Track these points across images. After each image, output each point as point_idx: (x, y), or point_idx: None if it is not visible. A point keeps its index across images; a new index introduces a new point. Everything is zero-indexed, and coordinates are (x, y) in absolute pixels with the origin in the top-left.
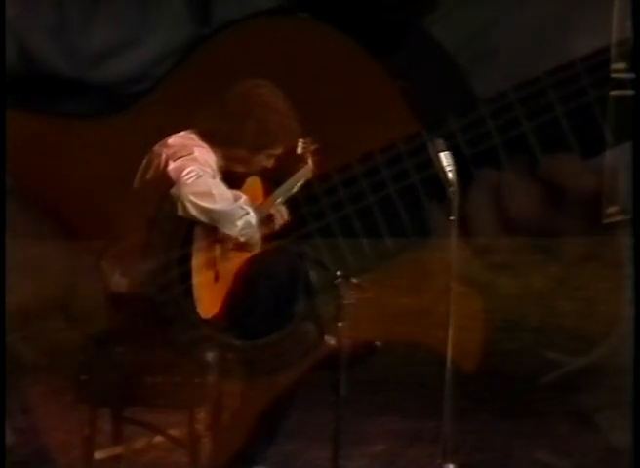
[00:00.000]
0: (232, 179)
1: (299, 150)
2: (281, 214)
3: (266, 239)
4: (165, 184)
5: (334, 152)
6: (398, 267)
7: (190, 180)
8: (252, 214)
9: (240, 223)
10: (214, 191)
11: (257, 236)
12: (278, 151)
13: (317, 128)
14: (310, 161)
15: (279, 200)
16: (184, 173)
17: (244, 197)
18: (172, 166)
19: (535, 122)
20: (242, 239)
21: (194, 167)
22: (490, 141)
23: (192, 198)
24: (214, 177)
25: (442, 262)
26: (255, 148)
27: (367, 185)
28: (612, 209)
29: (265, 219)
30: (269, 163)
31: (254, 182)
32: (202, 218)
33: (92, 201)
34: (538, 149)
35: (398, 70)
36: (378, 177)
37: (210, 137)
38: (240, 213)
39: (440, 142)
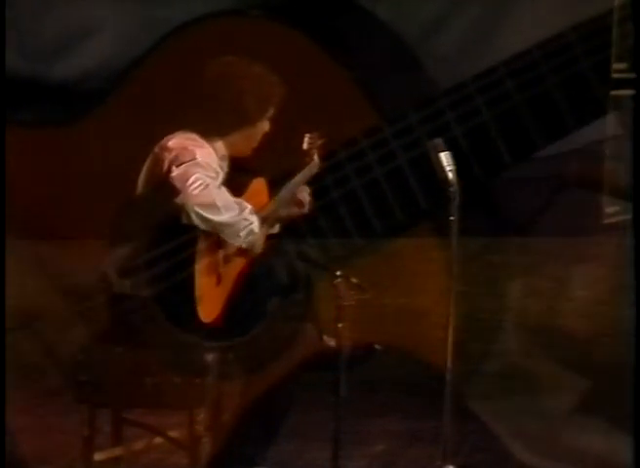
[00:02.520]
0: (237, 181)
1: (305, 146)
2: (305, 197)
3: (268, 239)
4: (169, 191)
5: (294, 150)
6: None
7: (196, 191)
8: (255, 223)
9: (243, 233)
10: (219, 203)
11: (260, 242)
12: (272, 112)
13: (276, 126)
14: (316, 157)
15: (285, 198)
16: (190, 182)
17: (249, 207)
18: (176, 173)
19: (494, 111)
20: (244, 246)
21: (199, 174)
22: (451, 133)
23: (197, 209)
24: (216, 179)
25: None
26: (256, 119)
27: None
28: (612, 209)
29: (293, 205)
30: (267, 126)
31: (259, 184)
32: (206, 228)
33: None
34: (499, 138)
35: (352, 61)
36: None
37: (212, 132)
38: (244, 224)
39: (440, 142)
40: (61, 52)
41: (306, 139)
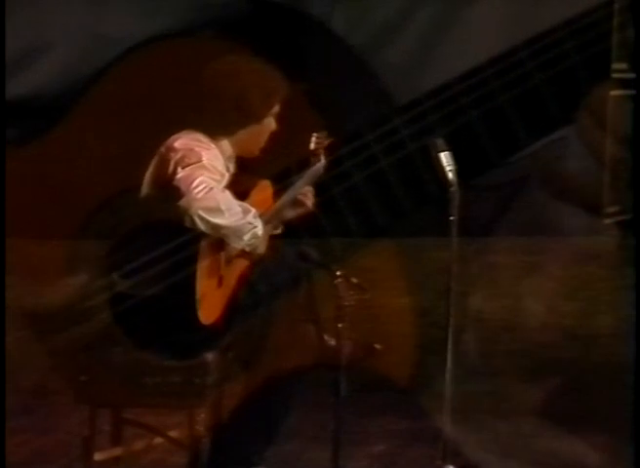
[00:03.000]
0: (242, 183)
1: (311, 146)
2: (309, 197)
3: (272, 239)
4: (173, 192)
5: (249, 165)
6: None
7: (200, 195)
8: (259, 226)
9: (247, 237)
10: (223, 207)
11: (263, 245)
12: (278, 108)
13: None
14: (323, 157)
15: (291, 199)
16: (194, 185)
17: (253, 211)
18: (181, 175)
19: (449, 128)
20: (247, 249)
21: (204, 177)
22: (404, 150)
23: (201, 213)
24: (221, 182)
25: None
26: (262, 114)
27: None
28: (612, 209)
29: (296, 204)
30: (273, 125)
31: (264, 185)
32: (210, 232)
33: None
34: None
35: (305, 75)
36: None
37: (218, 131)
38: (248, 228)
39: (440, 142)
40: (14, 68)
41: (313, 139)
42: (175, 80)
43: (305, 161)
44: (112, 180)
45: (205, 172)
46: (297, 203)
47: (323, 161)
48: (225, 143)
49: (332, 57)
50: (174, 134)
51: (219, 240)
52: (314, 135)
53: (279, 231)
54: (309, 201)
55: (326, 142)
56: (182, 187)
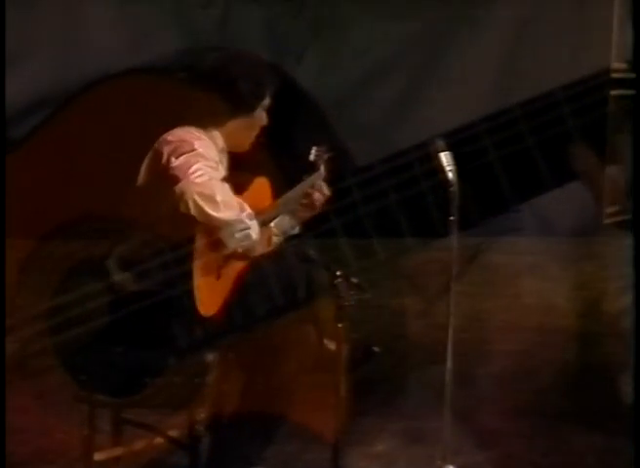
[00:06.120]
0: (239, 179)
1: (311, 157)
2: (321, 192)
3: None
4: (169, 183)
5: (242, 163)
6: None
7: (198, 180)
8: (254, 229)
9: (239, 236)
10: (218, 198)
11: (257, 248)
12: (268, 101)
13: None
14: (322, 168)
15: (287, 204)
16: (192, 170)
17: (247, 211)
18: (176, 164)
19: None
20: (239, 250)
21: (201, 164)
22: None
23: (196, 198)
24: (217, 170)
25: None
26: (253, 105)
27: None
28: (612, 209)
29: (307, 203)
30: (264, 119)
31: (262, 183)
32: (201, 220)
33: None
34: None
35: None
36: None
37: (211, 122)
38: (240, 227)
39: (440, 142)
40: None
41: (313, 152)
42: (141, 112)
43: (305, 170)
44: (72, 207)
45: (201, 159)
46: (306, 204)
47: (322, 171)
48: (217, 134)
49: (297, 109)
50: (132, 163)
51: (215, 232)
52: (314, 148)
53: (296, 231)
54: (318, 202)
55: (325, 156)
56: (180, 174)
